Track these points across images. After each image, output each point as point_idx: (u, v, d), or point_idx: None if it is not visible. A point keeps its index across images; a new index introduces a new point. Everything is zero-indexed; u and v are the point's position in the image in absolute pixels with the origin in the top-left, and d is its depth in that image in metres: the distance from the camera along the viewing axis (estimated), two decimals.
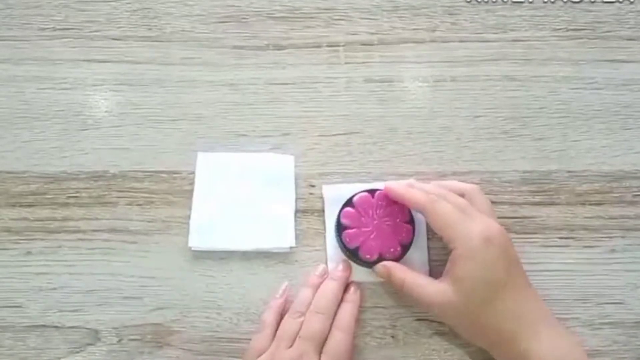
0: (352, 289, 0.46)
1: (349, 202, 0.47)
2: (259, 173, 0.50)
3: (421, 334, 0.46)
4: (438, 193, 0.44)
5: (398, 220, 0.46)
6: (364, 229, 0.46)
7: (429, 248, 0.48)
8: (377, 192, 0.47)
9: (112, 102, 0.52)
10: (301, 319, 0.43)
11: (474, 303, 0.41)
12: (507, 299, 0.41)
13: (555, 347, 0.40)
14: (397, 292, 0.46)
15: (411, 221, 0.46)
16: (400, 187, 0.45)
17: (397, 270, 0.44)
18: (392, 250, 0.45)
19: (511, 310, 0.41)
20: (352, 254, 0.46)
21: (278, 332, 0.43)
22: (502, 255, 0.41)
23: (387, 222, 0.46)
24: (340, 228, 0.46)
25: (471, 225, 0.41)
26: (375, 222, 0.46)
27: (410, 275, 0.43)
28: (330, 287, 0.45)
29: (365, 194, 0.47)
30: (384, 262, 0.45)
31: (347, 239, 0.46)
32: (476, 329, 0.42)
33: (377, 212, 0.46)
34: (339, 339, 0.42)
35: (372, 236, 0.46)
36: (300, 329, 0.43)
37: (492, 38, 0.54)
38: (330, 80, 0.53)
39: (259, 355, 0.42)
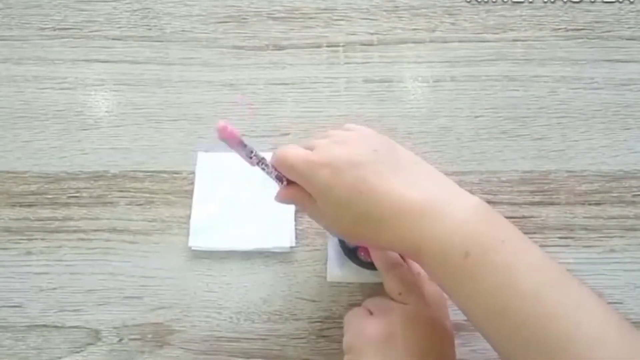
0: None
1: None
2: (258, 173, 0.50)
3: None
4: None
5: None
6: None
7: None
8: None
9: (112, 102, 0.52)
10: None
11: (345, 221, 0.36)
12: (372, 204, 0.35)
13: (443, 228, 0.34)
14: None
15: None
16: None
17: (297, 196, 0.39)
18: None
19: (383, 212, 0.35)
20: (351, 253, 0.46)
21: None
22: (342, 166, 0.36)
23: None
24: None
25: (307, 158, 0.37)
26: None
27: (308, 200, 0.38)
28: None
29: None
30: (282, 192, 0.40)
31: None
32: (375, 240, 0.37)
33: None
34: (429, 288, 0.42)
35: None
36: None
37: (492, 38, 0.54)
38: (330, 80, 0.53)
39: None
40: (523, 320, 0.31)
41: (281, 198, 0.40)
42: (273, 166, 0.38)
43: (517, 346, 0.32)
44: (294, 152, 0.37)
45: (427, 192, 0.35)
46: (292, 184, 0.39)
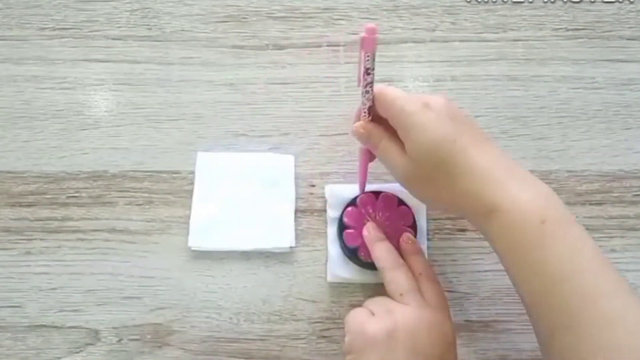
0: (404, 240, 0.45)
1: (352, 202, 0.47)
2: (258, 173, 0.50)
3: None
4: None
5: (401, 223, 0.46)
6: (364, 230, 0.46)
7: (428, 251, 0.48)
8: (382, 194, 0.47)
9: (112, 101, 0.52)
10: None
11: (429, 169, 0.38)
12: (461, 155, 0.37)
13: (523, 196, 0.36)
14: None
15: (413, 226, 0.46)
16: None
17: (374, 132, 0.41)
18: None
19: (470, 165, 0.37)
20: (351, 253, 0.46)
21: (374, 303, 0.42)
22: (443, 115, 0.38)
23: (389, 225, 0.46)
24: (341, 227, 0.46)
25: (410, 98, 0.39)
26: (377, 223, 0.46)
27: (387, 138, 0.40)
28: (382, 246, 0.44)
29: (369, 194, 0.47)
30: (361, 122, 0.41)
31: (347, 239, 0.46)
32: (441, 194, 0.39)
33: (380, 214, 0.46)
34: (430, 288, 0.42)
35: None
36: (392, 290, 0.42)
37: (492, 38, 0.54)
38: (330, 80, 0.53)
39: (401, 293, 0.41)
40: (580, 293, 0.34)
41: (360, 129, 0.41)
42: (372, 98, 0.40)
43: (561, 315, 0.34)
44: (399, 90, 0.40)
45: (510, 162, 0.39)
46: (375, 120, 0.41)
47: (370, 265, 0.45)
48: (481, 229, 0.39)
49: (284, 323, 0.47)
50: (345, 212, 0.47)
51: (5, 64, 0.53)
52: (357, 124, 0.42)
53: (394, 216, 0.46)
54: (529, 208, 0.36)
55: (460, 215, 0.41)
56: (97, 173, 0.50)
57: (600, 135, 0.51)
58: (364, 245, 0.45)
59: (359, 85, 0.39)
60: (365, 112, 0.40)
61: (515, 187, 0.37)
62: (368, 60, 0.36)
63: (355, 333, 0.40)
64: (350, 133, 0.43)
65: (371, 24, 0.35)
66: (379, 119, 0.41)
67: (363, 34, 0.35)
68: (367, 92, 0.39)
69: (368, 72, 0.37)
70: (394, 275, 0.42)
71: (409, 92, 0.52)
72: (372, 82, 0.38)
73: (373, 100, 0.40)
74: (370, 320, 0.40)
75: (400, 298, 0.41)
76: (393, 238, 0.45)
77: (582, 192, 0.50)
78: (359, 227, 0.46)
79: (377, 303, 0.41)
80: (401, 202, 0.47)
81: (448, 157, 0.37)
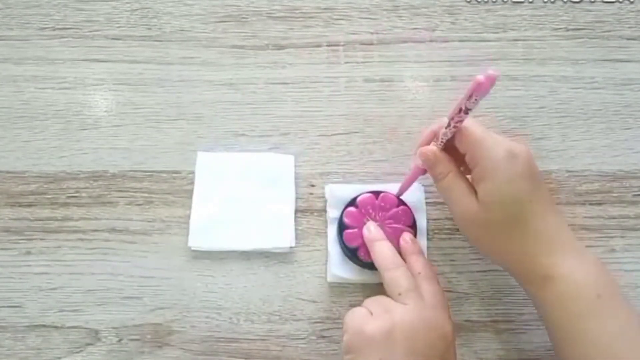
0: (404, 240, 0.45)
1: (352, 202, 0.47)
2: (258, 173, 0.50)
3: None
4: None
5: (400, 223, 0.46)
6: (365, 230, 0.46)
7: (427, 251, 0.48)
8: (382, 194, 0.47)
9: (112, 101, 0.52)
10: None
11: (497, 219, 0.39)
12: (531, 217, 0.39)
13: (580, 268, 0.38)
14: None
15: (413, 225, 0.46)
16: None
17: (443, 162, 0.41)
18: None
19: (536, 229, 0.39)
20: (351, 253, 0.46)
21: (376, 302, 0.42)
22: (527, 171, 0.39)
23: (389, 225, 0.46)
24: (341, 227, 0.46)
25: (496, 141, 0.39)
26: (377, 223, 0.46)
27: (454, 173, 0.41)
28: (382, 246, 0.44)
29: (369, 195, 0.47)
30: (433, 149, 0.42)
31: (347, 239, 0.46)
32: (498, 246, 0.40)
33: (380, 214, 0.46)
34: (429, 287, 0.42)
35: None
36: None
37: (492, 38, 0.54)
38: (330, 80, 0.53)
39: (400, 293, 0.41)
40: None
41: (430, 155, 0.42)
42: (453, 130, 0.39)
43: None
44: (484, 129, 0.40)
45: (570, 232, 0.40)
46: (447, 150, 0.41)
47: (370, 265, 0.45)
48: (531, 292, 0.40)
49: (284, 323, 0.47)
50: (345, 212, 0.47)
51: (5, 64, 0.53)
52: (428, 149, 0.42)
53: (394, 216, 0.46)
54: (586, 281, 0.38)
55: (510, 273, 0.42)
56: (97, 173, 0.50)
57: (600, 135, 0.51)
58: (363, 245, 0.45)
59: (449, 120, 0.38)
60: (442, 141, 0.40)
61: (573, 258, 0.38)
62: (474, 102, 0.35)
63: (354, 333, 0.40)
64: (416, 154, 0.43)
65: (493, 72, 0.33)
66: (451, 148, 0.41)
67: (480, 78, 0.33)
68: (454, 127, 0.39)
69: (467, 112, 0.37)
70: (393, 275, 0.42)
71: (414, 94, 0.52)
72: (463, 120, 0.38)
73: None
74: (368, 320, 0.40)
75: (399, 297, 0.41)
76: (393, 238, 0.45)
77: (582, 192, 0.50)
78: (359, 227, 0.46)
79: (375, 302, 0.41)
80: (401, 202, 0.47)
81: (521, 215, 0.39)
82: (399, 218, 0.46)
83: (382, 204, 0.47)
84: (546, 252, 0.39)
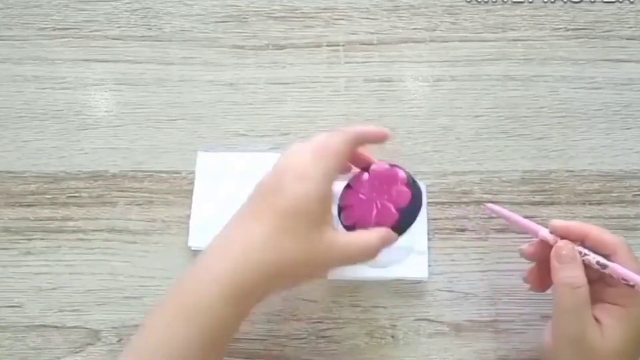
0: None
1: (346, 186, 0.43)
2: (259, 173, 0.49)
3: (421, 334, 0.46)
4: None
5: (396, 186, 0.42)
6: (361, 205, 0.42)
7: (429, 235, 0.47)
8: (371, 169, 0.43)
9: (112, 101, 0.52)
10: None
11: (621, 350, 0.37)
12: None
13: None
14: (398, 292, 0.46)
15: (408, 185, 0.42)
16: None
17: (582, 270, 0.38)
18: (386, 214, 0.41)
19: None
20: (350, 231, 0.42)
21: None
22: None
23: (385, 193, 0.42)
24: (339, 211, 0.43)
25: None
26: (374, 195, 0.42)
27: (587, 289, 0.37)
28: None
29: (359, 172, 0.43)
30: (576, 248, 0.39)
31: (345, 218, 0.42)
32: None
33: (374, 189, 0.42)
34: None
35: (369, 208, 0.42)
36: None
37: (492, 38, 0.54)
38: (330, 80, 0.53)
39: None
40: None
41: (571, 251, 0.38)
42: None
43: None
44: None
45: None
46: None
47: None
48: None
49: (284, 323, 0.47)
50: (341, 195, 0.43)
51: (5, 64, 0.53)
52: (571, 244, 0.39)
53: (386, 183, 0.42)
54: None
55: None
56: (97, 173, 0.50)
57: (600, 135, 0.51)
58: (360, 222, 0.42)
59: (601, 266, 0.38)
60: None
61: None
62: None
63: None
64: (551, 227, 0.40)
65: None
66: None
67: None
68: (601, 265, 0.38)
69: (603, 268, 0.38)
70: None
71: (414, 94, 0.52)
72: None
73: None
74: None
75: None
76: (388, 203, 0.42)
77: (582, 192, 0.50)
78: (355, 205, 0.42)
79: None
80: (396, 179, 0.42)
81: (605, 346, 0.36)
82: (392, 182, 0.42)
83: (376, 183, 0.42)
84: None
